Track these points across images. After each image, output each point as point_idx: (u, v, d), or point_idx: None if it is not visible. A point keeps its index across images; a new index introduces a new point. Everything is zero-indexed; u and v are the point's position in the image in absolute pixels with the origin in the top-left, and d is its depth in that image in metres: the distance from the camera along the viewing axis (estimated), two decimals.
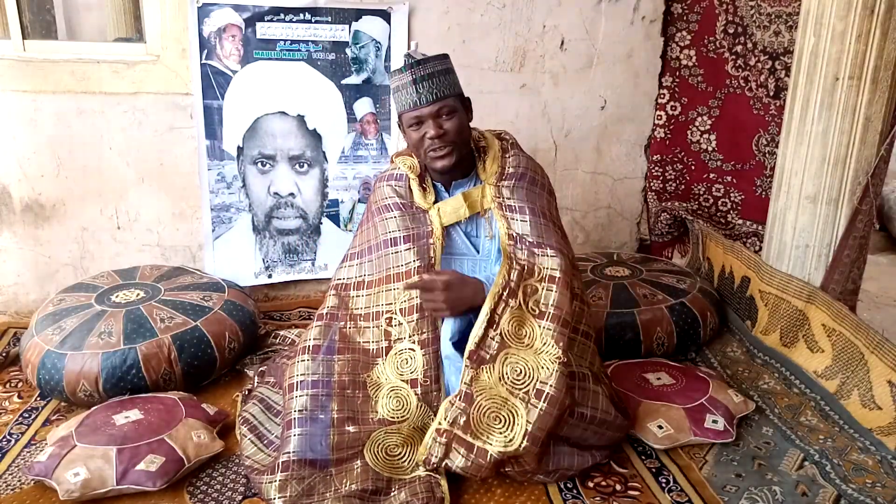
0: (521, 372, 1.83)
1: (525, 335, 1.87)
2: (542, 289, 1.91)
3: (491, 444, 1.79)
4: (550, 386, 1.79)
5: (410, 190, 2.08)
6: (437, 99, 1.91)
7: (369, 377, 1.98)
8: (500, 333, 1.86)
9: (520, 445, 1.77)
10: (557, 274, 1.92)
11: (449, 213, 2.04)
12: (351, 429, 1.89)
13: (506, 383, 1.83)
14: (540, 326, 1.87)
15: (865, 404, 2.15)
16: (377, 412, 1.94)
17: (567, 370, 1.83)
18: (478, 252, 2.09)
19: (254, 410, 2.16)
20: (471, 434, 1.80)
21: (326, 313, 2.07)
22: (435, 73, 1.91)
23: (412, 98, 1.91)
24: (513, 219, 2.00)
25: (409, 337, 1.98)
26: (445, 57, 1.97)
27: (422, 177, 2.08)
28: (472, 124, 2.08)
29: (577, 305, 1.95)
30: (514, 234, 1.99)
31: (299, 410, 1.90)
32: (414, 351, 1.98)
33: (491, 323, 1.86)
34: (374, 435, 1.90)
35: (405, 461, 1.90)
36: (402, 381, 1.96)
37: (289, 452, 1.84)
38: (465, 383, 1.83)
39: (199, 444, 1.94)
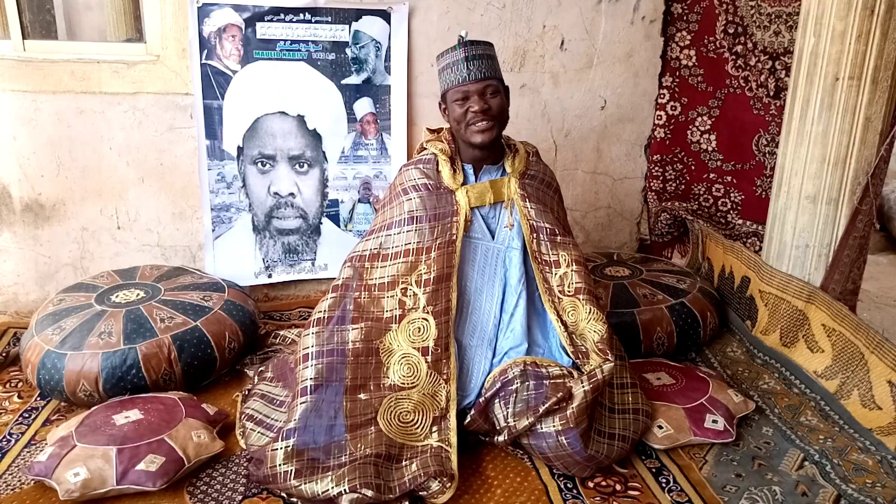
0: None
1: (578, 313, 2.11)
2: (571, 272, 2.14)
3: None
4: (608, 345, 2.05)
5: (438, 172, 2.19)
6: (484, 77, 2.06)
7: (381, 343, 2.06)
8: (568, 331, 2.11)
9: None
10: (580, 258, 2.18)
11: (475, 196, 2.17)
12: (363, 396, 1.98)
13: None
14: (580, 300, 2.11)
15: (865, 404, 2.15)
16: (389, 378, 2.02)
17: (612, 335, 2.10)
18: (493, 238, 2.19)
19: (256, 406, 2.19)
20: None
21: (341, 284, 2.14)
22: (484, 56, 2.09)
23: (462, 74, 2.06)
24: (536, 210, 2.18)
25: (424, 308, 2.07)
26: (492, 45, 2.15)
27: (453, 159, 2.19)
28: None
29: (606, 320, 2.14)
30: (536, 226, 2.17)
31: (313, 378, 1.97)
32: (427, 321, 2.06)
33: (565, 325, 2.11)
34: (385, 401, 1.99)
35: (418, 428, 1.97)
36: (414, 348, 2.05)
37: (298, 419, 1.90)
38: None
39: (199, 444, 1.94)
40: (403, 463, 1.89)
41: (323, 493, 1.78)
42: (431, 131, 2.33)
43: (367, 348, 2.04)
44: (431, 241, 2.11)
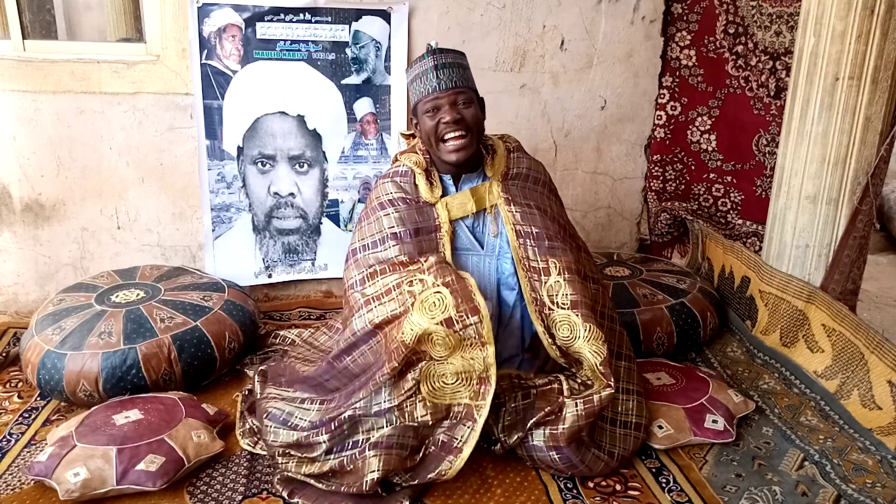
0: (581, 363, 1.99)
1: (568, 329, 1.95)
2: (563, 281, 1.98)
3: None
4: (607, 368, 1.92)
5: (416, 186, 2.08)
6: (456, 86, 1.94)
7: (401, 332, 1.89)
8: (557, 344, 1.97)
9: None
10: (572, 265, 2.02)
11: (456, 208, 2.06)
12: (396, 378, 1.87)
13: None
14: (576, 316, 1.95)
15: (865, 404, 2.15)
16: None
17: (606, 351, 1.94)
18: (482, 248, 2.11)
19: (279, 405, 2.05)
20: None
21: (356, 305, 2.03)
22: (455, 64, 1.97)
23: (432, 84, 1.94)
24: (521, 213, 2.04)
25: (433, 283, 1.88)
26: (464, 55, 2.05)
27: (428, 171, 2.08)
28: None
29: (591, 287, 2.04)
30: (522, 231, 2.04)
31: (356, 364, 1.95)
32: (441, 293, 1.85)
33: (553, 338, 1.97)
34: (424, 368, 1.85)
35: (462, 386, 1.85)
36: (436, 324, 1.82)
37: (354, 406, 1.86)
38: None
39: (199, 444, 1.94)
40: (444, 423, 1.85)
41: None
42: (406, 136, 2.23)
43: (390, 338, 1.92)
44: (419, 252, 2.01)
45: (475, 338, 1.82)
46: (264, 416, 2.08)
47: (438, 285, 1.87)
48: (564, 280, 1.98)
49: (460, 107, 1.95)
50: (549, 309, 1.98)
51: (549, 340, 1.98)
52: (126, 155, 2.81)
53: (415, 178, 2.09)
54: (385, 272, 2.01)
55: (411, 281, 1.94)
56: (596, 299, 2.06)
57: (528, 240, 2.03)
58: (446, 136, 1.95)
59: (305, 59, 2.83)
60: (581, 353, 1.94)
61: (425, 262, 1.97)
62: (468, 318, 1.82)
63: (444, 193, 2.09)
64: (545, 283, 2.00)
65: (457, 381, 1.85)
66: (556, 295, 1.98)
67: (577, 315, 1.94)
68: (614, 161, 3.26)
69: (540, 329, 1.99)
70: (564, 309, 1.96)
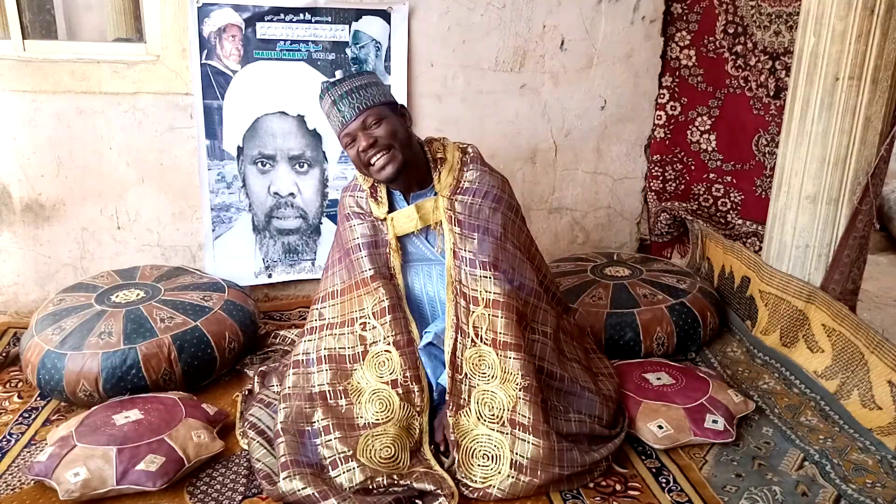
0: (493, 406, 1.92)
1: (487, 367, 1.93)
2: (489, 315, 1.93)
3: (486, 481, 1.86)
4: (520, 415, 1.88)
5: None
6: (359, 112, 1.89)
7: (350, 384, 2.01)
8: (466, 375, 1.94)
9: (508, 475, 1.84)
10: (501, 298, 1.92)
11: (402, 224, 2.04)
12: (338, 434, 1.92)
13: (484, 422, 1.92)
14: (498, 355, 1.92)
15: (865, 404, 2.15)
16: (363, 417, 1.96)
17: (533, 396, 1.89)
18: (441, 255, 2.06)
19: (260, 415, 2.13)
20: (468, 479, 1.88)
21: (308, 327, 2.14)
22: (353, 89, 1.90)
23: (338, 119, 1.91)
24: (462, 234, 1.98)
25: (384, 339, 2.01)
26: (367, 73, 1.98)
27: (374, 188, 2.07)
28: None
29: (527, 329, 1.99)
30: (460, 254, 1.97)
31: (283, 422, 1.97)
32: (390, 353, 2.00)
33: (455, 368, 1.95)
34: (361, 440, 1.91)
35: (400, 462, 1.91)
36: (383, 382, 1.99)
37: (284, 455, 1.88)
38: (451, 432, 1.93)
39: (199, 444, 1.94)
40: (400, 482, 1.85)
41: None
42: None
43: (335, 391, 2.00)
44: (374, 269, 2.03)
45: (417, 405, 1.98)
46: (245, 423, 2.12)
47: (389, 343, 2.00)
48: (491, 316, 1.92)
49: (371, 129, 1.89)
50: (472, 341, 1.94)
51: (450, 371, 1.95)
52: (126, 155, 2.81)
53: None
54: (338, 294, 2.10)
55: (364, 324, 2.03)
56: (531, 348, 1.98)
57: (463, 264, 1.96)
58: (370, 161, 1.91)
59: (305, 59, 2.83)
60: (495, 394, 1.91)
61: (378, 302, 2.02)
62: (412, 384, 1.98)
63: (393, 208, 2.07)
64: (473, 312, 1.94)
65: (394, 452, 1.91)
66: (482, 328, 1.93)
67: (510, 357, 1.91)
68: (614, 161, 3.27)
69: (447, 359, 1.95)
70: (499, 346, 1.92)
